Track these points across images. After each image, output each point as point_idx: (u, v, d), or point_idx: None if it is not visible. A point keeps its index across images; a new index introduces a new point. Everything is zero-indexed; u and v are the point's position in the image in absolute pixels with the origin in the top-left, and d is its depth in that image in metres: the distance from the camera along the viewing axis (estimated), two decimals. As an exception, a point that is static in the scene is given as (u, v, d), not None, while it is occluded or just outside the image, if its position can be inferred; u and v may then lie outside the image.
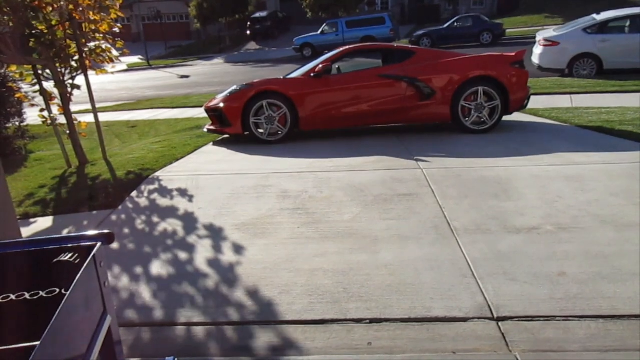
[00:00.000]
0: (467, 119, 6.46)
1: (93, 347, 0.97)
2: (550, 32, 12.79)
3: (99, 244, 1.10)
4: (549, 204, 3.84)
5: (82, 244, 1.10)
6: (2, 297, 0.98)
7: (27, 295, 0.98)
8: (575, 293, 2.63)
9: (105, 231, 1.15)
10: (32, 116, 7.62)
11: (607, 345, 2.21)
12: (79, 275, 0.94)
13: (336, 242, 3.40)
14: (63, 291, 0.98)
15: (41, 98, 5.88)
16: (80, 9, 5.54)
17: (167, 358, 1.18)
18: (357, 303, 2.65)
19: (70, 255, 1.06)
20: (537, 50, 12.27)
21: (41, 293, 0.99)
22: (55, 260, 1.05)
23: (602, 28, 11.51)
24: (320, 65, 6.71)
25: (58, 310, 0.84)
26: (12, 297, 0.98)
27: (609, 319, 2.39)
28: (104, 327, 1.04)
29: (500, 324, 2.42)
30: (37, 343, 0.76)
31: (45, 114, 5.84)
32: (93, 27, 5.81)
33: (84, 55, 5.78)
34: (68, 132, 5.96)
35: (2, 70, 7.47)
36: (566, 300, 2.56)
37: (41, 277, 1.05)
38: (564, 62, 11.79)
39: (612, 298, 2.56)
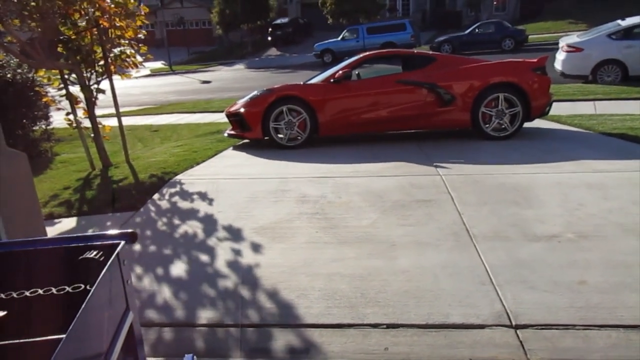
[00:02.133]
0: (487, 125, 6.41)
1: (115, 343, 1.00)
2: (573, 38, 12.63)
3: (122, 242, 1.13)
4: (570, 212, 3.80)
5: (106, 242, 1.13)
6: (30, 291, 1.02)
7: (54, 290, 1.02)
8: (596, 302, 2.59)
9: (129, 230, 1.19)
10: (58, 119, 7.81)
11: (628, 355, 2.18)
12: (103, 272, 0.98)
13: (354, 247, 3.40)
14: (88, 287, 1.01)
15: (67, 102, 6.03)
16: (107, 15, 5.67)
17: (186, 355, 1.21)
18: (374, 308, 2.66)
19: (95, 252, 1.10)
20: (560, 56, 12.11)
21: (67, 288, 1.02)
22: (81, 257, 1.09)
23: (627, 34, 11.32)
24: (340, 71, 6.74)
25: (83, 305, 0.87)
26: (40, 291, 1.02)
27: (631, 329, 2.36)
28: (126, 323, 1.08)
29: (518, 331, 2.40)
30: (63, 336, 0.79)
31: (71, 117, 5.98)
32: (119, 33, 5.94)
33: (109, 60, 5.91)
34: (92, 135, 6.09)
35: (31, 75, 7.68)
36: (586, 309, 2.53)
37: (67, 273, 1.09)
38: (587, 69, 11.62)
39: (634, 307, 2.52)
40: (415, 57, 7.08)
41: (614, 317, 2.45)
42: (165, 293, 2.95)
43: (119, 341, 1.02)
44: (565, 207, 3.90)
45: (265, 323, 2.59)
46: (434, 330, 2.45)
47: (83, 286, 1.03)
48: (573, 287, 2.75)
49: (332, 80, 6.73)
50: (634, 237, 3.32)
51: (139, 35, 6.11)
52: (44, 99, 6.68)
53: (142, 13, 5.93)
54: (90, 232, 3.91)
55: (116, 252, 1.07)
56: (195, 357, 1.20)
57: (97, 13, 5.55)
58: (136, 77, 7.22)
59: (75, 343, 0.83)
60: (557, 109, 7.68)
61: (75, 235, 1.17)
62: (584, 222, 3.61)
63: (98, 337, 0.95)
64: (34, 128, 8.28)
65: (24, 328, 0.97)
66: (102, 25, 5.66)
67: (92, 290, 0.93)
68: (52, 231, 4.04)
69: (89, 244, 1.13)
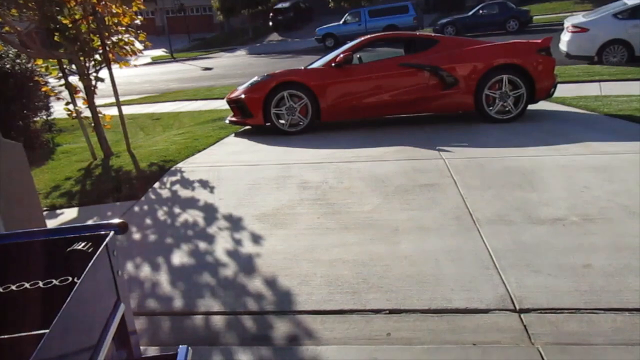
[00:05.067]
0: (491, 108, 6.34)
1: (105, 335, 0.97)
2: (578, 18, 12.43)
3: (112, 232, 1.10)
4: (575, 195, 3.75)
5: (95, 233, 1.10)
6: (16, 285, 0.99)
7: (40, 284, 1.00)
8: (601, 285, 2.56)
9: (118, 220, 1.16)
10: (59, 110, 7.78)
11: (633, 339, 2.14)
12: (90, 264, 0.95)
13: (356, 233, 3.38)
14: (76, 279, 0.99)
15: (67, 92, 5.99)
16: (103, 2, 5.60)
17: (180, 347, 1.19)
18: (377, 294, 2.63)
19: (83, 244, 1.07)
20: (565, 37, 11.94)
21: (54, 281, 1.00)
22: (69, 249, 1.06)
23: (634, 13, 11.12)
24: (341, 55, 6.66)
25: (68, 298, 0.84)
26: (27, 285, 0.99)
27: (636, 312, 2.32)
28: (117, 315, 1.05)
29: (522, 316, 2.37)
30: (47, 331, 0.77)
31: (71, 107, 5.94)
32: (115, 20, 5.87)
33: (108, 48, 5.85)
34: (93, 124, 6.06)
35: (30, 65, 7.63)
36: (591, 293, 2.50)
37: (55, 266, 1.06)
38: (593, 49, 11.45)
39: (640, 291, 2.48)
40: (417, 40, 6.98)
41: (619, 301, 2.42)
42: (166, 281, 2.94)
43: (109, 334, 0.99)
44: (570, 190, 3.85)
45: (266, 310, 2.58)
46: (437, 316, 2.42)
47: (71, 279, 1.00)
48: (578, 270, 2.71)
49: (333, 64, 6.65)
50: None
51: (136, 22, 6.04)
52: (43, 89, 6.63)
53: (141, -1, 5.86)
54: (90, 222, 3.90)
55: (104, 242, 1.04)
56: (189, 348, 1.17)
57: (93, 0, 5.48)
58: (136, 66, 7.10)
59: (60, 337, 0.80)
60: (562, 90, 7.58)
61: (63, 226, 1.14)
62: (589, 204, 3.56)
63: (86, 330, 0.92)
64: (35, 119, 8.25)
65: (9, 323, 0.94)
66: (98, 12, 5.59)
67: (78, 283, 0.90)
68: (53, 222, 4.03)
69: (77, 235, 1.10)
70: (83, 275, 0.91)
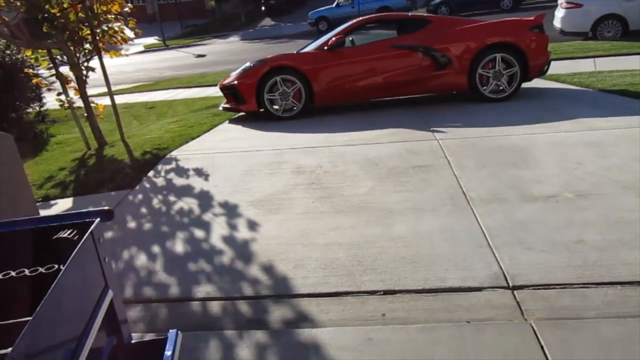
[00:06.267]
0: (485, 87, 6.32)
1: (93, 322, 0.98)
2: (573, -7, 12.33)
3: (97, 220, 1.11)
4: (568, 171, 3.76)
5: (81, 220, 1.11)
6: (2, 274, 1.00)
7: (27, 272, 1.00)
8: (593, 260, 2.58)
9: (105, 207, 1.16)
10: (52, 100, 7.73)
11: (625, 311, 2.17)
12: (75, 251, 0.95)
13: (350, 216, 3.39)
14: (62, 267, 0.99)
15: (58, 82, 5.94)
16: (91, -10, 5.53)
17: (170, 331, 1.20)
18: (371, 275, 2.65)
19: (69, 232, 1.07)
20: (559, 13, 11.87)
21: (40, 269, 1.00)
22: (54, 237, 1.06)
23: (628, -13, 11.04)
24: (333, 38, 6.61)
25: (52, 286, 0.84)
26: (13, 273, 1.00)
27: (628, 285, 2.35)
28: (104, 302, 1.06)
29: (515, 292, 2.39)
30: (30, 319, 0.77)
31: (63, 97, 5.90)
32: (104, 9, 5.80)
33: (97, 37, 5.79)
34: (86, 115, 6.02)
35: (19, 56, 7.55)
36: (584, 268, 2.52)
37: (41, 254, 1.06)
38: (587, 25, 11.40)
39: (633, 264, 2.50)
40: (409, 21, 6.93)
41: (612, 275, 2.44)
42: (161, 269, 2.95)
43: (97, 321, 1.00)
44: (563, 167, 3.86)
45: (261, 295, 2.59)
46: (431, 295, 2.44)
47: (57, 266, 1.01)
48: (570, 246, 2.73)
49: (325, 48, 6.61)
50: (633, 194, 3.29)
51: (125, 9, 5.97)
52: (34, 80, 6.58)
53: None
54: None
55: (90, 230, 1.05)
56: (179, 332, 1.18)
57: (81, -12, 5.41)
58: (127, 55, 7.01)
59: (44, 324, 0.80)
60: (556, 67, 7.56)
61: (49, 215, 1.14)
62: (582, 181, 3.57)
63: (72, 316, 0.93)
64: (28, 110, 8.20)
65: (-4, 311, 0.95)
66: (86, 1, 5.52)
67: (63, 270, 0.90)
68: (47, 212, 4.03)
69: (63, 223, 1.10)
70: (67, 263, 0.92)
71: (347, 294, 2.52)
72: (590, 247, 2.70)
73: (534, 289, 2.40)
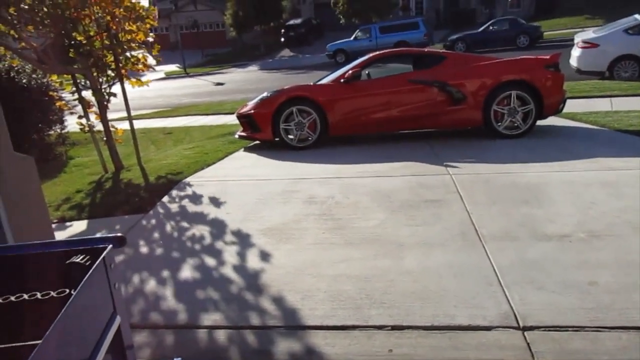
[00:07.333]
0: (499, 123, 6.33)
1: (100, 348, 1.00)
2: (589, 33, 12.41)
3: (109, 246, 1.13)
4: (582, 211, 3.72)
5: (93, 246, 1.13)
6: (15, 296, 1.02)
7: (38, 295, 1.02)
8: (606, 303, 2.53)
9: (118, 234, 1.19)
10: (73, 123, 7.91)
11: (638, 358, 2.12)
12: (86, 277, 0.98)
13: (360, 248, 3.38)
14: (72, 292, 1.01)
15: (80, 106, 6.11)
16: (117, 19, 5.73)
17: (175, 358, 1.21)
18: (379, 309, 2.63)
19: (82, 257, 1.10)
20: (576, 52, 11.92)
21: (52, 293, 1.02)
22: (67, 261, 1.09)
23: (645, 29, 11.10)
24: (350, 71, 6.72)
25: (63, 310, 0.87)
26: (25, 296, 1.02)
27: (642, 331, 2.29)
28: (112, 328, 1.08)
29: (525, 333, 2.35)
30: (40, 342, 0.79)
31: (84, 121, 6.06)
32: (129, 37, 6.00)
33: (120, 64, 5.97)
34: (105, 138, 6.16)
35: (45, 80, 7.79)
36: (596, 311, 2.47)
37: (54, 278, 1.09)
38: (604, 65, 11.42)
39: (646, 309, 2.45)
40: (426, 56, 7.03)
41: (625, 319, 2.39)
42: (170, 295, 2.96)
43: (104, 346, 1.01)
44: (577, 206, 3.83)
45: (268, 325, 2.58)
46: (439, 332, 2.41)
47: (68, 291, 1.03)
48: (583, 287, 2.69)
49: (342, 80, 6.71)
50: (647, 236, 3.24)
51: (148, 39, 6.16)
52: (58, 104, 6.77)
53: (152, 15, 5.97)
54: (100, 234, 3.95)
55: (102, 256, 1.07)
56: (183, 360, 1.19)
57: (107, 17, 5.61)
58: (148, 85, 7.17)
59: (52, 348, 0.82)
60: (572, 106, 7.55)
61: (63, 240, 1.17)
62: (597, 221, 3.53)
63: (80, 341, 0.95)
64: (49, 132, 8.40)
65: (8, 333, 0.97)
66: (112, 29, 5.72)
67: (74, 295, 0.93)
68: (62, 235, 4.08)
69: (76, 248, 1.13)
70: (79, 288, 0.94)
71: (354, 327, 2.50)
72: (604, 289, 2.66)
73: (545, 330, 2.36)
